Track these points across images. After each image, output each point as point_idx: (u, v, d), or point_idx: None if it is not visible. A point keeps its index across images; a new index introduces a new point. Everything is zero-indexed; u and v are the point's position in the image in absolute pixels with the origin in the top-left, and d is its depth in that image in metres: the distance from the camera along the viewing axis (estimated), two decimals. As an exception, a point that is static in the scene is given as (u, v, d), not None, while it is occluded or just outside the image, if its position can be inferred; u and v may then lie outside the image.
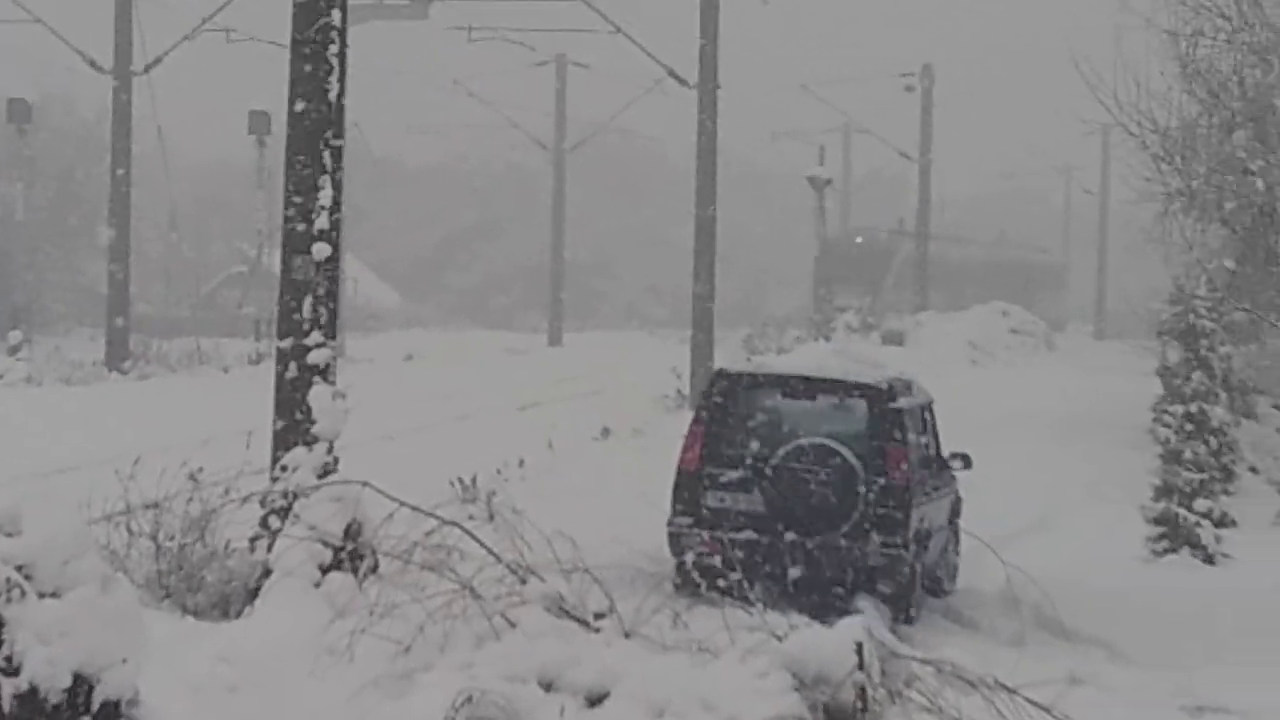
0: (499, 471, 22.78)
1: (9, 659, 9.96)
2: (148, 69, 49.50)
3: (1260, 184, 29.53)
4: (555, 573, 12.89)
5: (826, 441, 18.44)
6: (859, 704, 10.67)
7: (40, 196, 68.82)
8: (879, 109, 76.61)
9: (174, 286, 78.09)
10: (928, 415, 20.49)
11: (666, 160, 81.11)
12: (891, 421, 18.70)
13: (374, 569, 13.83)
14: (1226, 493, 26.28)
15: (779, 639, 11.27)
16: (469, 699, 10.45)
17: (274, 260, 30.51)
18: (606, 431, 33.77)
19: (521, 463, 24.43)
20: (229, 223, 73.94)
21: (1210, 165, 31.43)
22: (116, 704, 10.29)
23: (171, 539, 15.08)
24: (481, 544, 13.40)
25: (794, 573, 17.96)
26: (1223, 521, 25.59)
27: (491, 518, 16.25)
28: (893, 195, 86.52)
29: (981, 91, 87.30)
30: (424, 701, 10.71)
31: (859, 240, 70.55)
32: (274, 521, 14.82)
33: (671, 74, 46.41)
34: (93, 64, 49.64)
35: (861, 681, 10.69)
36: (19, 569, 10.10)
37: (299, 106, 16.26)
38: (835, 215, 77.96)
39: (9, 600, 10.02)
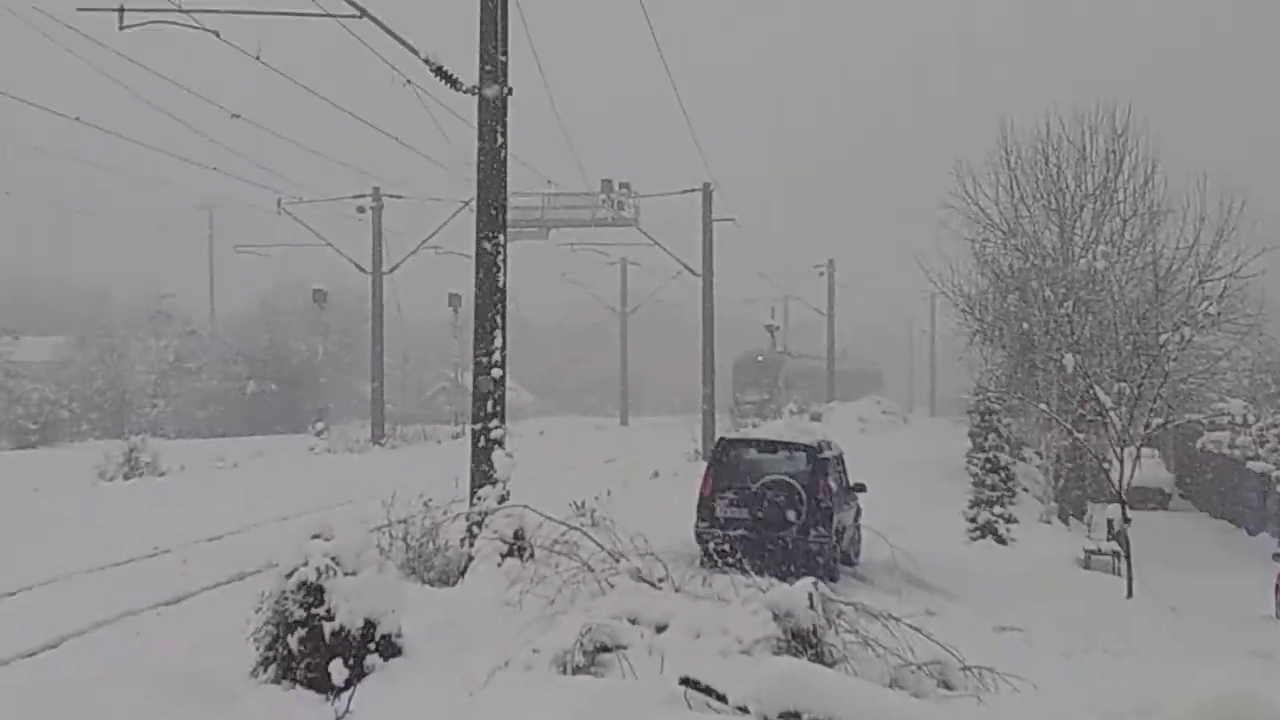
0: (596, 497, 22.63)
1: (329, 611, 10.00)
2: (391, 270, 49.74)
3: (1025, 326, 29.57)
4: (635, 555, 12.89)
5: (784, 477, 18.37)
6: (811, 629, 10.61)
7: (331, 345, 69.22)
8: (804, 284, 76.68)
9: (407, 394, 78.39)
10: (841, 461, 20.40)
11: (685, 317, 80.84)
12: (821, 464, 18.64)
13: (531, 556, 13.80)
14: (1011, 503, 26.06)
15: (764, 591, 11.23)
16: (589, 629, 10.41)
17: (466, 379, 30.81)
18: (657, 474, 33.47)
19: (609, 492, 24.22)
20: (438, 357, 74.17)
21: (994, 315, 31.47)
22: (389, 636, 10.32)
23: (415, 540, 15.08)
24: (591, 539, 13.41)
25: (769, 554, 17.89)
26: (1010, 520, 25.42)
27: (595, 524, 16.29)
28: (814, 335, 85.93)
29: (864, 273, 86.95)
30: (562, 632, 10.67)
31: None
32: (474, 530, 14.82)
33: (686, 268, 46.54)
34: (359, 267, 49.89)
35: (812, 616, 10.63)
36: (332, 559, 10.16)
37: (480, 289, 16.37)
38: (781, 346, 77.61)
39: (329, 576, 10.07)
